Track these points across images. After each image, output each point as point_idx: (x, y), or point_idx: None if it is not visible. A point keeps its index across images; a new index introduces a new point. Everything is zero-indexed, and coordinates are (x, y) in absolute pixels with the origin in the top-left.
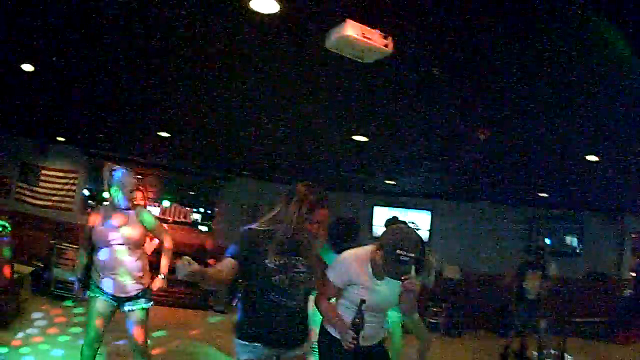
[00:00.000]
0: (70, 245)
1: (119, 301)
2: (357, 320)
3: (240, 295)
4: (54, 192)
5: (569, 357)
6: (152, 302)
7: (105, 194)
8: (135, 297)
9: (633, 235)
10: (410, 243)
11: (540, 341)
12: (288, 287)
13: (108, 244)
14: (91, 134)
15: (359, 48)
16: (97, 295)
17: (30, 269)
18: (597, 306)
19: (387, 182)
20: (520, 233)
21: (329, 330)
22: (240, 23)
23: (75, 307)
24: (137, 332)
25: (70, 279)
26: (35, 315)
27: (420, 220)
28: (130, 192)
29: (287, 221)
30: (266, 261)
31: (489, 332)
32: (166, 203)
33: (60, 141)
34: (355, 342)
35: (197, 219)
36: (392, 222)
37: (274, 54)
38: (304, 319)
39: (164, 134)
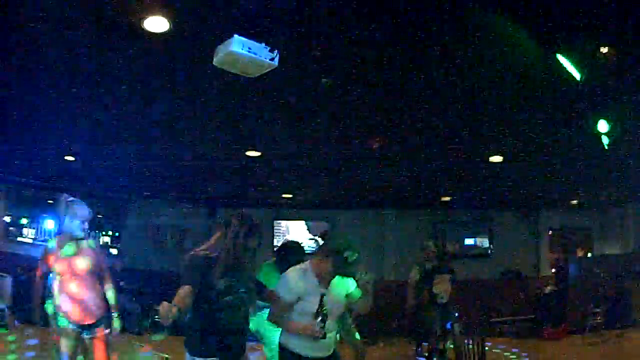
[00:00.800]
0: None
1: (82, 328)
2: (319, 310)
3: (189, 315)
4: None
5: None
6: (109, 329)
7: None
8: (96, 324)
9: (550, 232)
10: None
11: (456, 345)
12: (235, 306)
13: (68, 273)
14: (6, 160)
15: (246, 63)
16: (61, 324)
17: None
18: (516, 305)
19: (284, 195)
20: (425, 238)
21: (287, 346)
22: (133, 42)
23: (6, 335)
24: (100, 357)
25: (1, 307)
26: None
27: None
28: (83, 222)
29: (227, 248)
30: (215, 283)
31: (402, 337)
32: None
33: None
34: (323, 330)
35: (107, 242)
36: (287, 246)
37: (166, 73)
38: (244, 334)
39: (70, 158)
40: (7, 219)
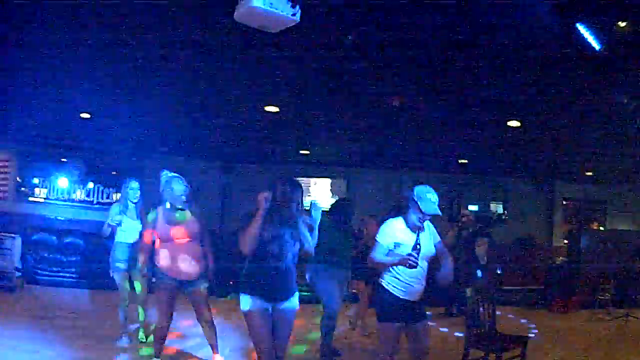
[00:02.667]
0: (7, 234)
1: (182, 284)
2: (416, 245)
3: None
4: None
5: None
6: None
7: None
8: (195, 282)
9: (564, 202)
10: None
11: (469, 309)
12: (280, 253)
13: (172, 238)
14: (19, 121)
15: (267, 19)
16: (164, 280)
17: None
18: (528, 274)
19: (301, 152)
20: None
21: (385, 287)
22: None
23: (12, 297)
24: (198, 308)
25: (8, 268)
26: None
27: (336, 189)
28: (181, 195)
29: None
30: (263, 234)
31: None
32: (90, 185)
33: None
34: (416, 261)
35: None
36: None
37: (185, 28)
38: (292, 278)
39: (85, 115)
40: (18, 179)
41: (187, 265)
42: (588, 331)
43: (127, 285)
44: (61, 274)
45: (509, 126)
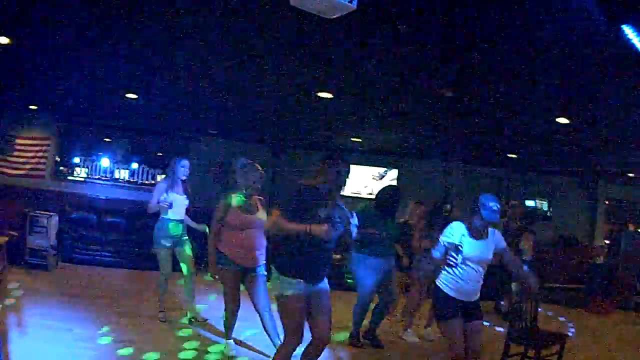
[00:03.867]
0: (44, 213)
1: (247, 269)
2: (458, 247)
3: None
4: (27, 160)
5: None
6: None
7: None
8: (258, 267)
9: (607, 202)
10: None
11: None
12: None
13: (241, 224)
14: (61, 100)
15: (323, 4)
16: (228, 266)
17: (5, 238)
18: (568, 272)
19: (353, 139)
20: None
21: (440, 286)
22: None
23: (48, 275)
24: (260, 292)
25: (44, 246)
26: (11, 285)
27: (386, 178)
28: (255, 182)
29: (331, 183)
30: (318, 212)
31: None
32: (134, 166)
33: (33, 109)
34: (455, 261)
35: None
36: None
37: (239, 11)
38: (331, 260)
39: (132, 96)
40: (57, 158)
41: (254, 252)
42: (625, 332)
43: (170, 262)
44: (100, 253)
45: (558, 123)
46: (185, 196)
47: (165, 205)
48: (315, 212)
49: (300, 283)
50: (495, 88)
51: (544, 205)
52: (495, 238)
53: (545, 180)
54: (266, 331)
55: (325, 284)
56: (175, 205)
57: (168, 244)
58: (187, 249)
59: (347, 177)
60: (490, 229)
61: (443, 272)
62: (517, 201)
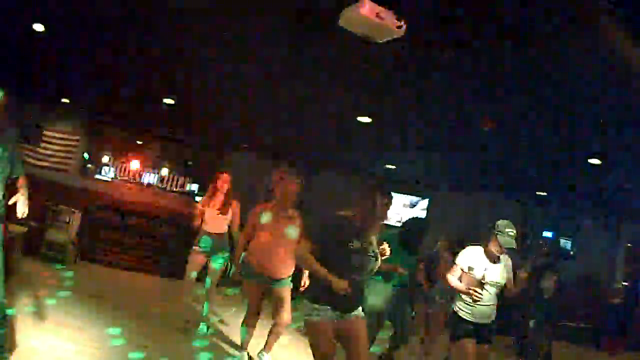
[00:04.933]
0: (66, 208)
1: (274, 281)
2: (481, 282)
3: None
4: (54, 153)
5: None
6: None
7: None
8: (285, 280)
9: (628, 245)
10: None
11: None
12: (361, 266)
13: (273, 235)
14: (94, 98)
15: (372, 28)
16: (250, 277)
17: (24, 229)
18: (585, 311)
19: (387, 166)
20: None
21: (458, 313)
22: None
23: (64, 271)
24: (282, 308)
25: (63, 241)
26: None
27: (417, 207)
28: (292, 194)
29: (368, 214)
30: (350, 244)
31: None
32: (164, 171)
33: (65, 103)
34: (480, 295)
35: (193, 190)
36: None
37: (281, 30)
38: (363, 290)
39: (169, 101)
40: (86, 155)
41: (283, 265)
42: None
43: (195, 268)
44: (120, 254)
45: (590, 164)
46: (220, 211)
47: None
48: (349, 244)
49: (327, 310)
50: (529, 124)
51: (568, 245)
52: (508, 264)
53: (571, 218)
54: (267, 340)
55: (359, 311)
56: (212, 219)
57: (201, 251)
58: (218, 264)
59: (389, 209)
60: (504, 255)
61: (459, 297)
62: (543, 240)
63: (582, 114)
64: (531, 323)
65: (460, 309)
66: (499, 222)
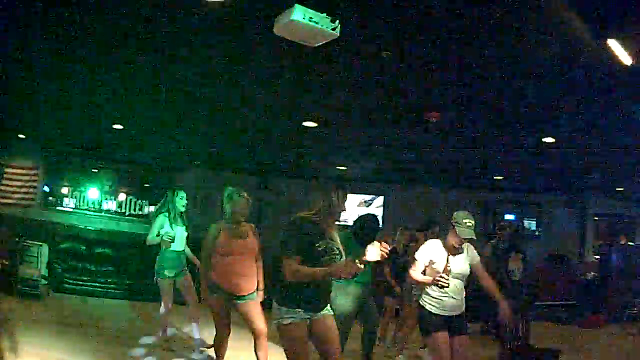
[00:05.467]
0: (34, 242)
1: (237, 297)
2: (447, 268)
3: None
4: (17, 189)
5: None
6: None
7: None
8: (249, 296)
9: (595, 218)
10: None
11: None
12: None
13: (232, 252)
14: (49, 129)
15: (307, 32)
16: (217, 294)
17: None
18: (559, 289)
19: (338, 167)
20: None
21: (425, 306)
22: (188, 11)
23: (39, 305)
24: (253, 317)
25: (35, 276)
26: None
27: (373, 206)
28: (243, 209)
29: (327, 212)
30: (316, 245)
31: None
32: (122, 196)
33: (21, 138)
34: (447, 281)
35: (151, 211)
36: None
37: (222, 42)
38: (331, 288)
39: (118, 127)
40: (46, 188)
41: (244, 280)
42: (618, 344)
43: (172, 293)
44: (90, 283)
45: (544, 142)
46: (184, 227)
47: (169, 240)
48: (314, 245)
49: (298, 312)
50: (480, 109)
51: (532, 225)
52: (470, 253)
53: (532, 199)
54: (257, 356)
55: (328, 310)
56: (176, 238)
57: (171, 275)
58: (189, 280)
59: (345, 202)
60: (465, 245)
61: (425, 291)
62: (506, 223)
63: (531, 93)
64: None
65: (426, 302)
66: (456, 213)
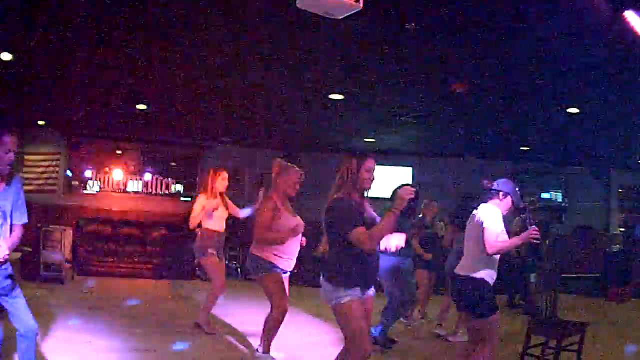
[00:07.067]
0: (57, 227)
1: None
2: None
3: (332, 252)
4: (38, 175)
5: None
6: None
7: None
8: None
9: (620, 190)
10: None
11: (531, 294)
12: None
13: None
14: (70, 115)
15: (330, 5)
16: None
17: (18, 255)
18: (586, 262)
19: (366, 140)
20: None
21: (486, 280)
22: None
23: (64, 289)
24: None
25: (58, 261)
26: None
27: (402, 177)
28: (296, 184)
29: (349, 183)
30: (365, 216)
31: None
32: (147, 176)
33: (41, 125)
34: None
35: (179, 190)
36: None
37: (247, 15)
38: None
39: (142, 107)
40: (69, 173)
41: (295, 258)
42: None
43: (222, 270)
44: (116, 264)
45: (569, 113)
46: (225, 209)
47: (199, 220)
48: (364, 215)
49: (357, 290)
50: (504, 81)
51: (559, 197)
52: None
53: (559, 171)
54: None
55: (372, 289)
56: (217, 217)
57: (215, 253)
58: (224, 261)
59: (369, 172)
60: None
61: (481, 263)
62: (534, 198)
63: (557, 63)
64: (532, 277)
65: (488, 276)
66: (506, 182)
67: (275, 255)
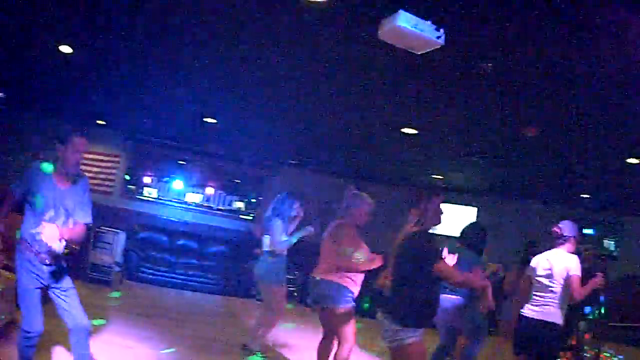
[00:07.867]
0: (110, 229)
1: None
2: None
3: (403, 289)
4: (94, 175)
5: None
6: None
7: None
8: None
9: None
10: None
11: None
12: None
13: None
14: (133, 118)
15: (411, 39)
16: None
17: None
18: (633, 311)
19: (434, 176)
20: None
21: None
22: (291, 12)
23: (110, 292)
24: None
25: (107, 263)
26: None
27: (466, 216)
28: (366, 216)
29: (427, 220)
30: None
31: None
32: (209, 190)
33: (101, 125)
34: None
35: (240, 207)
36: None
37: (325, 44)
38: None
39: (211, 120)
40: (127, 176)
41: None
42: None
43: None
44: (168, 274)
45: (628, 163)
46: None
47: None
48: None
49: (419, 331)
50: (569, 127)
51: (611, 245)
52: None
53: (613, 220)
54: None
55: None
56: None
57: (284, 282)
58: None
59: (441, 210)
60: None
61: (562, 309)
62: (589, 245)
63: (616, 114)
64: (581, 325)
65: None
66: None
67: (349, 278)
